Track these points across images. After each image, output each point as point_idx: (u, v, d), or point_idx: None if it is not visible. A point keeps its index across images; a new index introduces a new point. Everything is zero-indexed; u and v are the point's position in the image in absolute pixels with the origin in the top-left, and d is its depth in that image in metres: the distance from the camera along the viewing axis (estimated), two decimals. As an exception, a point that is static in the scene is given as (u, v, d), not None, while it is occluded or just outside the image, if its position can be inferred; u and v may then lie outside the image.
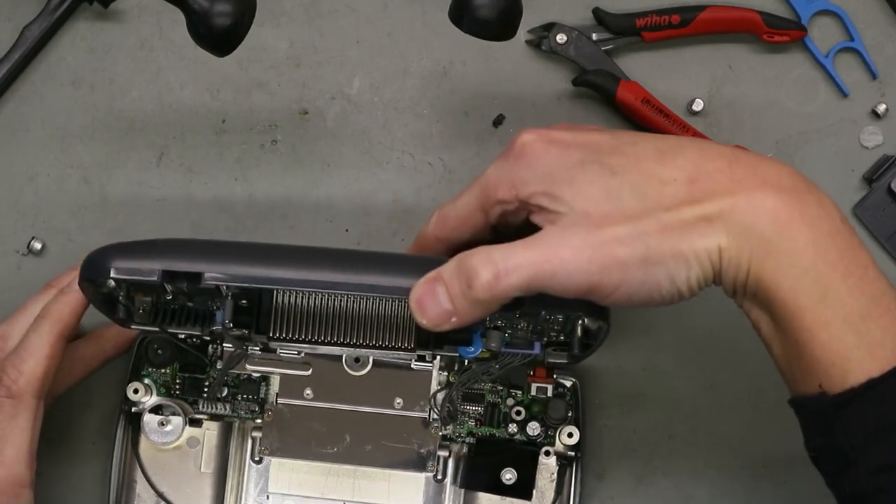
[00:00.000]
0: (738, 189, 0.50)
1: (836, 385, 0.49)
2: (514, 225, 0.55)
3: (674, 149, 0.51)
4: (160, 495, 0.64)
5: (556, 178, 0.51)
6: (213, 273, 0.54)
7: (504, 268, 0.50)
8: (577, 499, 0.64)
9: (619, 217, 0.50)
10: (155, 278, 0.54)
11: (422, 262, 0.54)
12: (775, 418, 0.70)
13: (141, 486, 0.64)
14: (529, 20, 0.68)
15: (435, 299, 0.52)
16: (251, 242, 0.57)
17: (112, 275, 0.55)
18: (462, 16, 0.58)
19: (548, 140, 0.52)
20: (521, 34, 0.69)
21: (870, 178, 0.69)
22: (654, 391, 0.69)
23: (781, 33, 0.69)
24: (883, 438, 0.49)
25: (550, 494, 0.64)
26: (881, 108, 0.70)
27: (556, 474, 0.64)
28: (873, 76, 0.70)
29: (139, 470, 0.64)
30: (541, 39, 0.69)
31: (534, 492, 0.64)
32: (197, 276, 0.54)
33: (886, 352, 0.49)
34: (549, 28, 0.69)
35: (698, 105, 0.70)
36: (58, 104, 0.69)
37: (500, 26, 0.58)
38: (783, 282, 0.50)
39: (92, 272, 0.55)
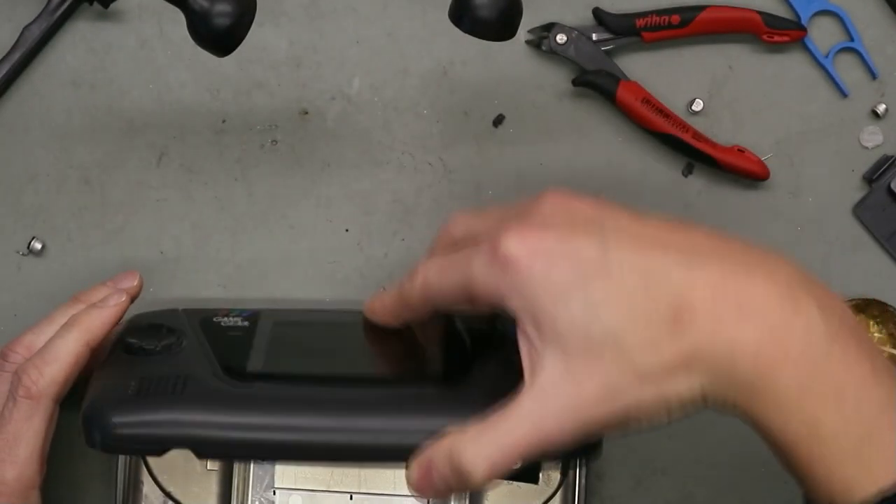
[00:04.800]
0: (719, 326, 0.48)
1: (847, 501, 0.49)
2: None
3: (660, 272, 0.49)
4: (167, 495, 0.64)
5: (538, 304, 0.50)
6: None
7: (494, 459, 0.51)
8: (583, 481, 0.64)
9: (598, 369, 0.49)
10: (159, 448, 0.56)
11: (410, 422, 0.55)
12: (775, 418, 0.70)
13: (147, 487, 0.64)
14: (529, 20, 0.68)
15: (432, 485, 0.53)
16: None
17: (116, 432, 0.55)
18: (462, 16, 0.58)
19: (533, 252, 0.50)
20: (521, 34, 0.69)
21: (870, 178, 0.69)
22: (654, 391, 0.69)
23: (781, 33, 0.69)
24: None
25: (556, 477, 0.64)
26: (881, 108, 0.70)
27: (560, 458, 0.64)
28: (873, 76, 0.70)
29: (145, 470, 0.64)
30: (541, 39, 0.69)
31: (540, 475, 0.63)
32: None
33: (892, 469, 0.48)
34: (549, 28, 0.69)
35: (698, 105, 0.70)
36: (58, 104, 0.69)
37: (500, 26, 0.58)
38: (771, 421, 0.49)
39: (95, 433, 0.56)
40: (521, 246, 0.50)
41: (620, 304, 0.49)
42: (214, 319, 0.64)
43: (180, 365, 0.59)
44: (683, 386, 0.49)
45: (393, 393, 0.58)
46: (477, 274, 0.52)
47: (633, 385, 0.49)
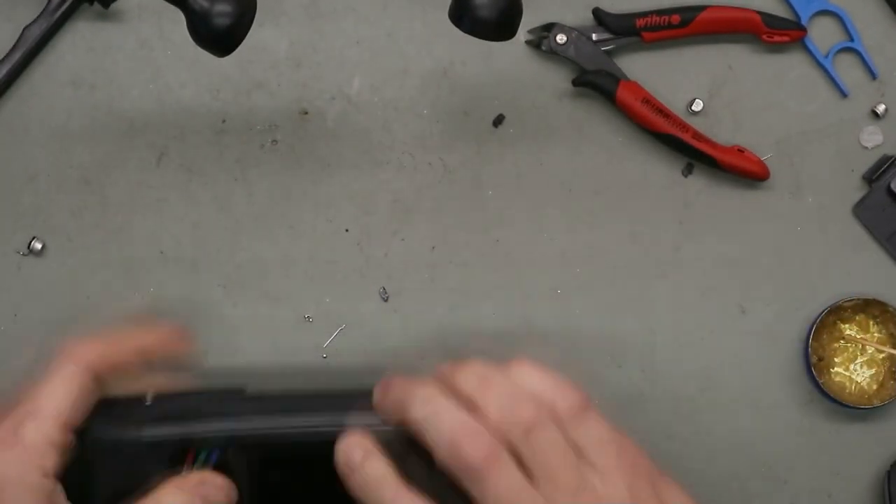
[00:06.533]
0: None
1: None
2: None
3: None
4: None
5: None
6: None
7: None
8: None
9: None
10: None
11: None
12: (775, 418, 0.70)
13: None
14: (529, 20, 0.68)
15: None
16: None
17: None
18: (462, 16, 0.58)
19: None
20: (521, 34, 0.69)
21: (870, 178, 0.69)
22: (653, 391, 0.69)
23: (781, 33, 0.69)
24: None
25: None
26: (881, 108, 0.70)
27: None
28: (873, 76, 0.70)
29: None
30: (541, 39, 0.69)
31: None
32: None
33: None
34: (549, 28, 0.69)
35: (698, 105, 0.70)
36: (58, 104, 0.69)
37: (500, 26, 0.58)
38: None
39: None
40: None
41: None
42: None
43: None
44: None
45: None
46: None
47: None
